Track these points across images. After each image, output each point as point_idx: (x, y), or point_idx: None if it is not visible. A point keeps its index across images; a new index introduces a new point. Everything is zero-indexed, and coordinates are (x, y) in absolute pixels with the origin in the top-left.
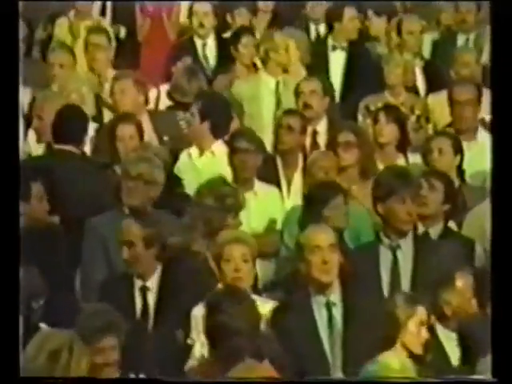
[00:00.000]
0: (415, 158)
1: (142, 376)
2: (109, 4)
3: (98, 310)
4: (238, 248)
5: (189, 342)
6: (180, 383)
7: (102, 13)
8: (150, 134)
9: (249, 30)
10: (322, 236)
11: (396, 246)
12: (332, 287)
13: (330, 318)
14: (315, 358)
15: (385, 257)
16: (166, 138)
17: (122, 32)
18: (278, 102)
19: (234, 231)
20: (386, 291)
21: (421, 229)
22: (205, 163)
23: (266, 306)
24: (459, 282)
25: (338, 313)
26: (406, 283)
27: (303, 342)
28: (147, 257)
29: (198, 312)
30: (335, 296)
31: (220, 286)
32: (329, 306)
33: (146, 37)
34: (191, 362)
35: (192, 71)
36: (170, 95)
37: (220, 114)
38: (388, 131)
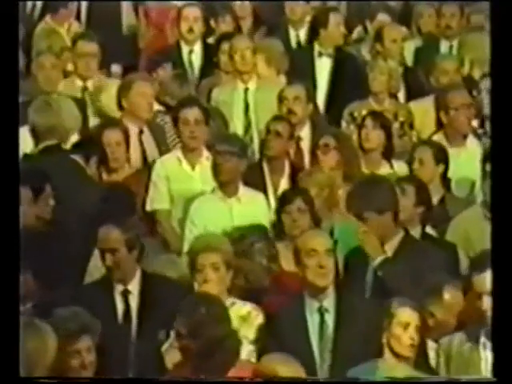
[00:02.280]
0: (399, 165)
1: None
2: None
3: (73, 312)
4: (209, 257)
5: (160, 336)
6: (180, 383)
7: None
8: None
9: (230, 36)
10: (318, 240)
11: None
12: (326, 292)
13: (322, 323)
14: (303, 361)
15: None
16: (163, 148)
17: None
18: (247, 109)
19: (207, 238)
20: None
21: (401, 232)
22: (201, 172)
23: (244, 309)
24: (446, 295)
25: (330, 319)
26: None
27: (293, 345)
28: (129, 261)
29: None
30: (329, 302)
31: (194, 292)
32: (321, 311)
33: (148, 43)
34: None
35: (182, 77)
36: (158, 99)
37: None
38: (374, 137)
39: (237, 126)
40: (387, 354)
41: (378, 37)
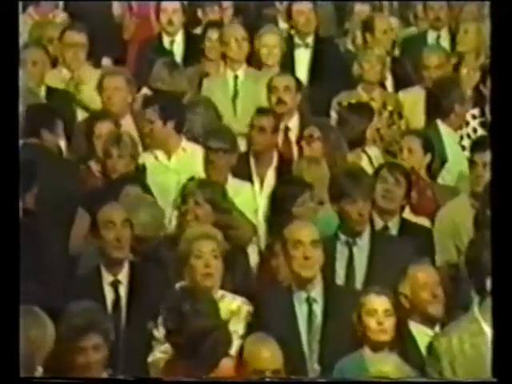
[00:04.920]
0: (376, 155)
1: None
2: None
3: (83, 308)
4: (208, 244)
5: (149, 326)
6: (181, 383)
7: None
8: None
9: (216, 24)
10: (304, 231)
11: (352, 242)
12: (313, 283)
13: (310, 313)
14: (292, 353)
15: (341, 253)
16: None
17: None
18: (235, 96)
19: (203, 227)
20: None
21: (379, 223)
22: (178, 163)
23: (234, 303)
24: (412, 273)
25: (318, 308)
26: (360, 278)
27: (282, 335)
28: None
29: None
30: (316, 292)
31: (183, 283)
32: (309, 301)
33: (132, 35)
34: (156, 355)
35: (173, 64)
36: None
37: (180, 113)
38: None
39: (226, 115)
40: (366, 346)
41: (368, 27)
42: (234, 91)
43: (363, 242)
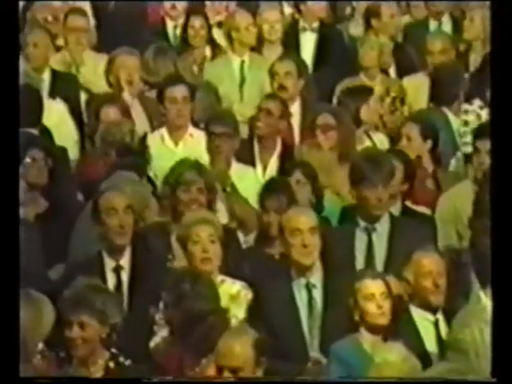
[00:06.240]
0: (381, 140)
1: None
2: None
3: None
4: (205, 229)
5: (151, 311)
6: (181, 383)
7: None
8: (141, 119)
9: (199, 11)
10: (302, 219)
11: (371, 228)
12: (313, 269)
13: (310, 299)
14: (293, 338)
15: (360, 239)
16: (156, 124)
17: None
18: (242, 82)
19: (200, 212)
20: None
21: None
22: (184, 148)
23: (234, 287)
24: (417, 260)
25: (318, 294)
26: (379, 265)
27: (282, 322)
28: (129, 224)
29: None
30: (316, 278)
31: (181, 267)
32: (309, 287)
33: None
34: (156, 340)
35: (161, 51)
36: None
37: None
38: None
39: (232, 101)
40: (362, 328)
41: (374, 13)
42: (241, 77)
43: (382, 228)
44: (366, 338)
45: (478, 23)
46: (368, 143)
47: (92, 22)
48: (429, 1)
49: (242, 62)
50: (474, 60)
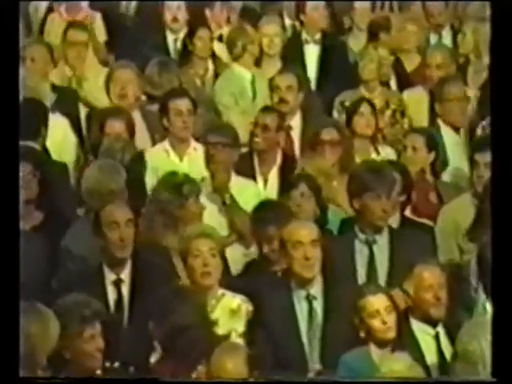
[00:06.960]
0: (386, 152)
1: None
2: None
3: (79, 300)
4: (206, 242)
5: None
6: (181, 383)
7: None
8: (142, 132)
9: (201, 24)
10: (303, 232)
11: (372, 240)
12: (313, 281)
13: (311, 310)
14: (293, 350)
15: (360, 251)
16: (157, 137)
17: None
18: (255, 96)
19: (201, 225)
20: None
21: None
22: (188, 163)
23: (234, 301)
24: (418, 272)
25: (318, 306)
26: (382, 277)
27: (282, 333)
28: (130, 238)
29: None
30: (316, 290)
31: (182, 281)
32: (309, 298)
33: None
34: (157, 355)
35: (164, 64)
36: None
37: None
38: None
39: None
40: (371, 343)
41: (383, 26)
42: (244, 90)
43: (383, 240)
44: (375, 352)
45: (471, 38)
46: (374, 155)
47: (103, 36)
48: (428, 0)
49: (253, 76)
50: (473, 73)
